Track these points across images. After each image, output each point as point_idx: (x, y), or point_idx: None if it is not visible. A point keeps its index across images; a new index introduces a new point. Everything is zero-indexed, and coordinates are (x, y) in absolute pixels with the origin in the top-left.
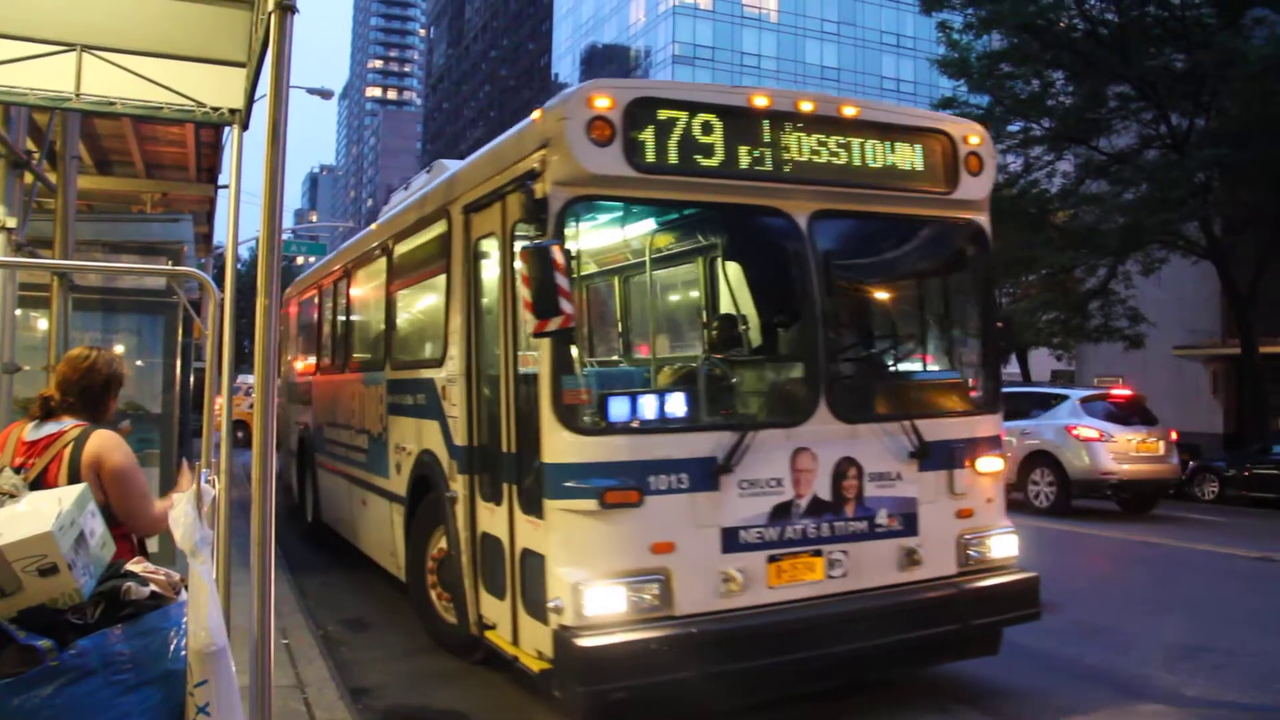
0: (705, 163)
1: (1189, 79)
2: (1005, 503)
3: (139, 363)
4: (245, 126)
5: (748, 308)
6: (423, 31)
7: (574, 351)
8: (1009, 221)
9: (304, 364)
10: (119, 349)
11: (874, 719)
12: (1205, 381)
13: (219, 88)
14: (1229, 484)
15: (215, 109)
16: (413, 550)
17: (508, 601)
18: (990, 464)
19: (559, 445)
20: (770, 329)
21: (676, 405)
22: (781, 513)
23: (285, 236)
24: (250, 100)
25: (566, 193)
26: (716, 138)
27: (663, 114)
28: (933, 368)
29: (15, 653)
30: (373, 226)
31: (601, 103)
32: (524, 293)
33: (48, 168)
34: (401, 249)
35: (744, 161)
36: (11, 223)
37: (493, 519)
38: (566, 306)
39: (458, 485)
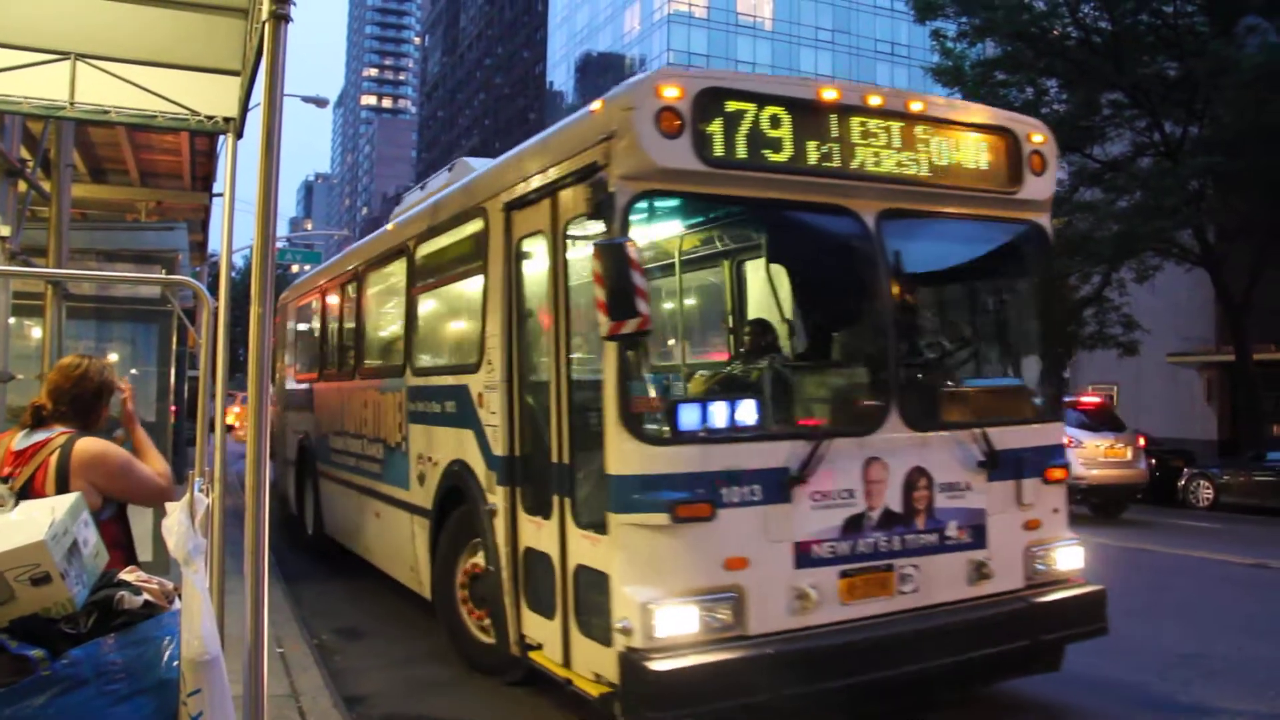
0: (774, 158)
1: (1182, 87)
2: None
3: (133, 371)
4: (240, 135)
5: (812, 311)
6: (418, 40)
7: (645, 356)
8: None
9: (304, 371)
10: (113, 357)
11: None
12: (1199, 388)
13: (213, 96)
14: (1223, 491)
15: (210, 117)
16: (440, 566)
17: (557, 621)
18: (1056, 473)
19: (626, 456)
20: (838, 333)
21: (747, 413)
22: (854, 526)
23: (280, 245)
24: (245, 109)
25: (633, 187)
26: (785, 131)
27: (731, 105)
28: (998, 374)
29: (7, 662)
30: (388, 227)
31: (670, 92)
32: (597, 292)
33: (42, 176)
34: (426, 250)
35: (812, 157)
36: (5, 231)
37: (539, 534)
38: (643, 307)
39: (496, 498)
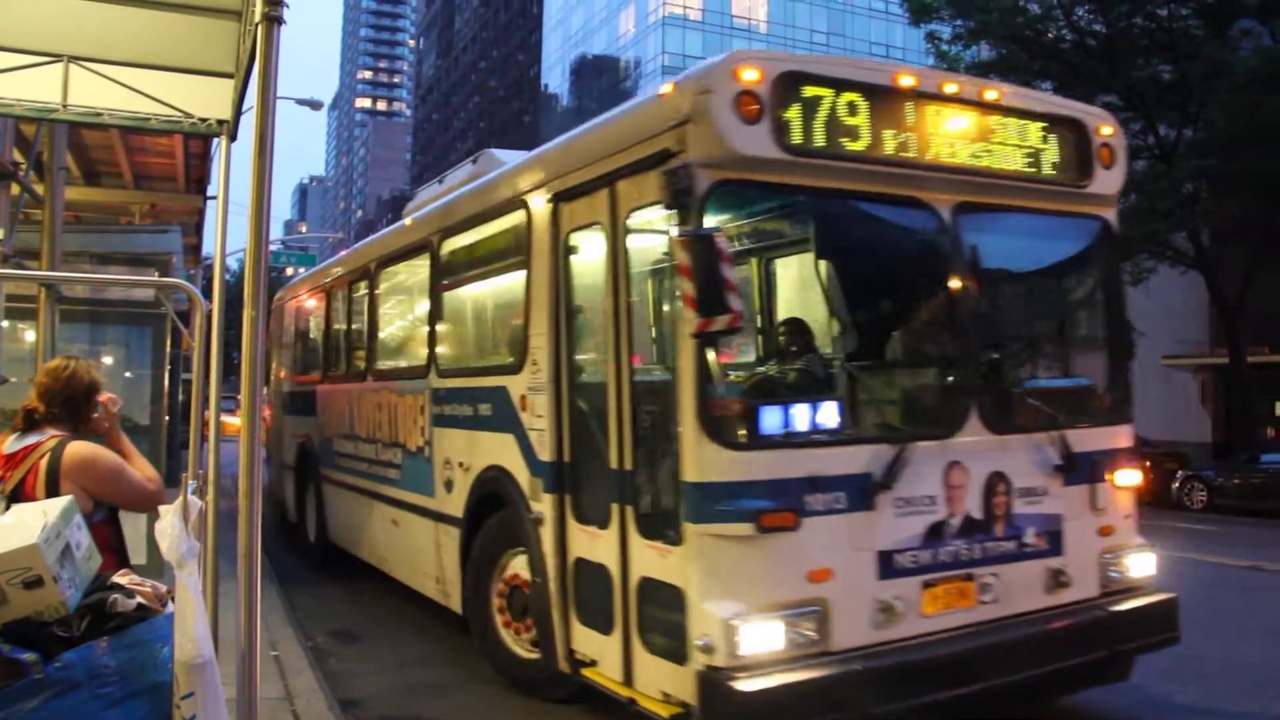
0: (851, 146)
1: (1176, 90)
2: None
3: (127, 374)
4: (233, 137)
5: (886, 308)
6: (412, 42)
7: (730, 355)
8: None
9: (305, 372)
10: (107, 360)
11: None
12: (1194, 391)
13: (207, 99)
14: (1218, 493)
15: (203, 120)
16: (473, 577)
17: (616, 636)
18: (1129, 477)
19: (707, 462)
20: (915, 332)
21: (829, 415)
22: (935, 533)
23: (274, 248)
24: (238, 111)
25: (711, 175)
26: (862, 119)
27: (809, 90)
28: (1070, 373)
29: (0, 666)
30: (405, 222)
31: (749, 75)
32: (683, 287)
33: (35, 179)
34: (453, 245)
35: (889, 146)
36: None
37: (594, 544)
38: (735, 303)
39: (543, 506)
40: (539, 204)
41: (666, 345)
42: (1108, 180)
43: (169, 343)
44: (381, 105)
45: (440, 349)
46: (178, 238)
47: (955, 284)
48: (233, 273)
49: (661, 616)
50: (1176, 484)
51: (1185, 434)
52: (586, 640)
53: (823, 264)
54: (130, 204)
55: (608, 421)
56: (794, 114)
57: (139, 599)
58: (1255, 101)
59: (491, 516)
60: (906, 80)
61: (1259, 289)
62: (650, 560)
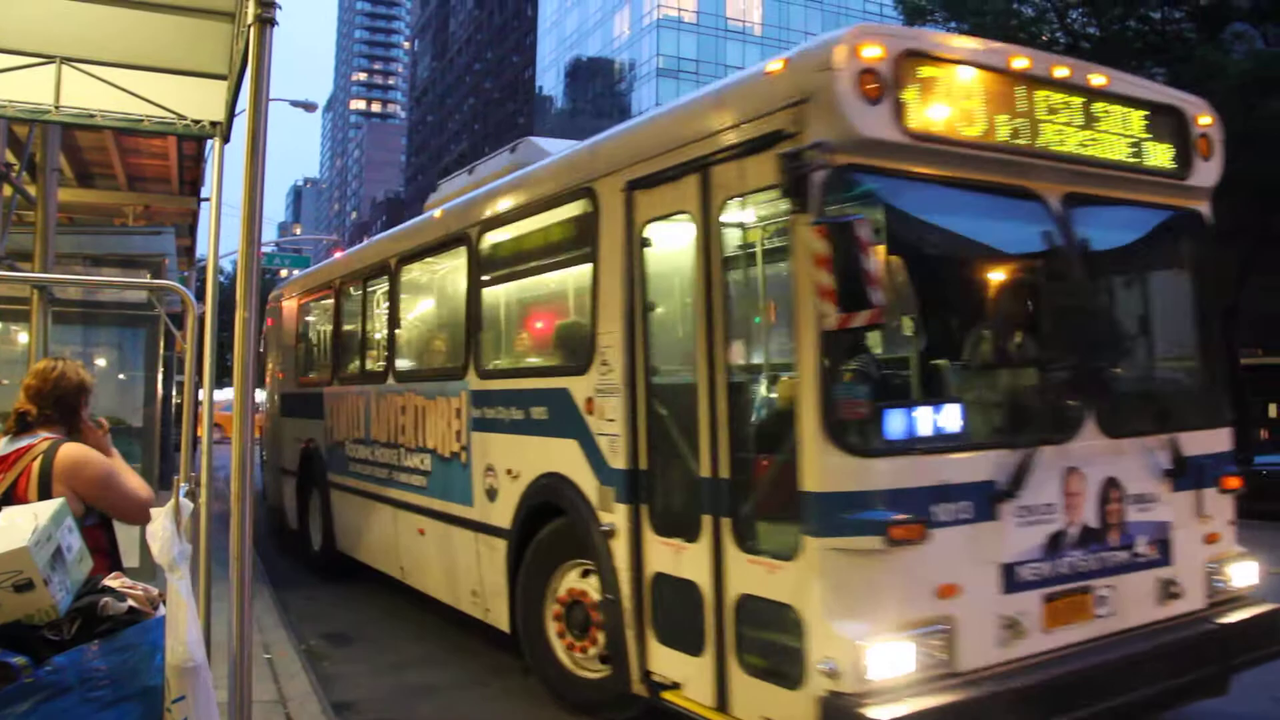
0: (967, 132)
1: None
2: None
3: (120, 376)
4: (226, 139)
5: (1000, 305)
6: (407, 44)
7: (864, 354)
8: None
9: (310, 373)
10: (100, 362)
11: None
12: None
13: (200, 100)
14: None
15: (196, 121)
16: (525, 591)
17: (706, 658)
18: (1232, 482)
19: (832, 470)
20: (1029, 330)
21: (953, 419)
22: (1055, 544)
23: (269, 249)
24: (231, 113)
25: (834, 159)
26: (978, 103)
27: (926, 70)
28: (1177, 374)
29: None
30: (434, 215)
31: (871, 52)
32: (820, 279)
33: (27, 180)
34: (497, 238)
35: (1003, 132)
36: None
37: (677, 558)
38: (878, 297)
39: (615, 517)
40: (609, 193)
41: (772, 343)
42: (1206, 172)
43: (162, 345)
44: (376, 107)
45: (480, 349)
46: (171, 239)
47: (1068, 280)
48: (226, 274)
49: (767, 637)
50: None
51: None
52: (668, 661)
53: (934, 259)
54: (124, 206)
55: (697, 426)
56: (913, 95)
57: (130, 602)
58: (1249, 104)
59: (546, 527)
60: (1020, 62)
61: (1253, 291)
62: (753, 576)
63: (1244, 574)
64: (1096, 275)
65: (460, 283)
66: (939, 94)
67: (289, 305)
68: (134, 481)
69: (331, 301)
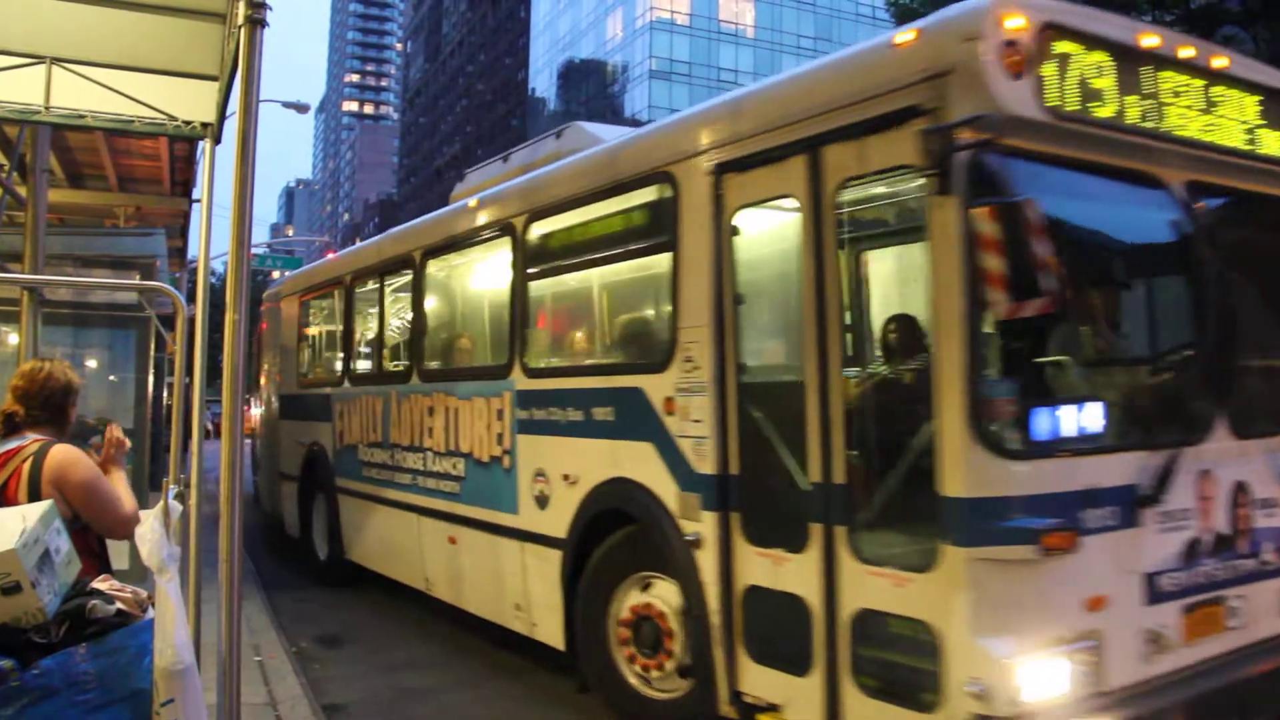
0: (1100, 112)
1: None
2: None
3: (111, 378)
4: (218, 140)
5: (1132, 299)
6: (400, 46)
7: (1025, 346)
8: None
9: (315, 372)
10: (91, 364)
11: None
12: None
13: (191, 101)
14: None
15: (187, 123)
16: (586, 605)
17: (815, 678)
18: None
19: (981, 473)
20: (1161, 325)
21: (1095, 418)
22: (1191, 551)
23: (261, 251)
24: (222, 114)
25: (978, 136)
26: (1109, 81)
27: (1062, 46)
28: None
29: None
30: (468, 203)
31: (1014, 23)
32: (987, 264)
33: (18, 180)
34: (546, 228)
35: (1133, 114)
36: None
37: (778, 570)
38: (1052, 284)
39: (701, 526)
40: (691, 177)
41: (896, 335)
42: None
43: (154, 346)
44: (369, 109)
45: (527, 346)
46: (162, 241)
47: (1198, 273)
48: (218, 276)
49: (892, 656)
50: None
51: None
52: (764, 681)
53: (1071, 248)
54: (115, 207)
55: (805, 427)
56: (1052, 71)
57: (119, 605)
58: None
59: (610, 537)
60: (1150, 40)
61: None
62: (877, 589)
63: None
64: (1224, 267)
65: (502, 276)
66: (1074, 70)
67: (289, 303)
68: (120, 492)
69: (341, 298)
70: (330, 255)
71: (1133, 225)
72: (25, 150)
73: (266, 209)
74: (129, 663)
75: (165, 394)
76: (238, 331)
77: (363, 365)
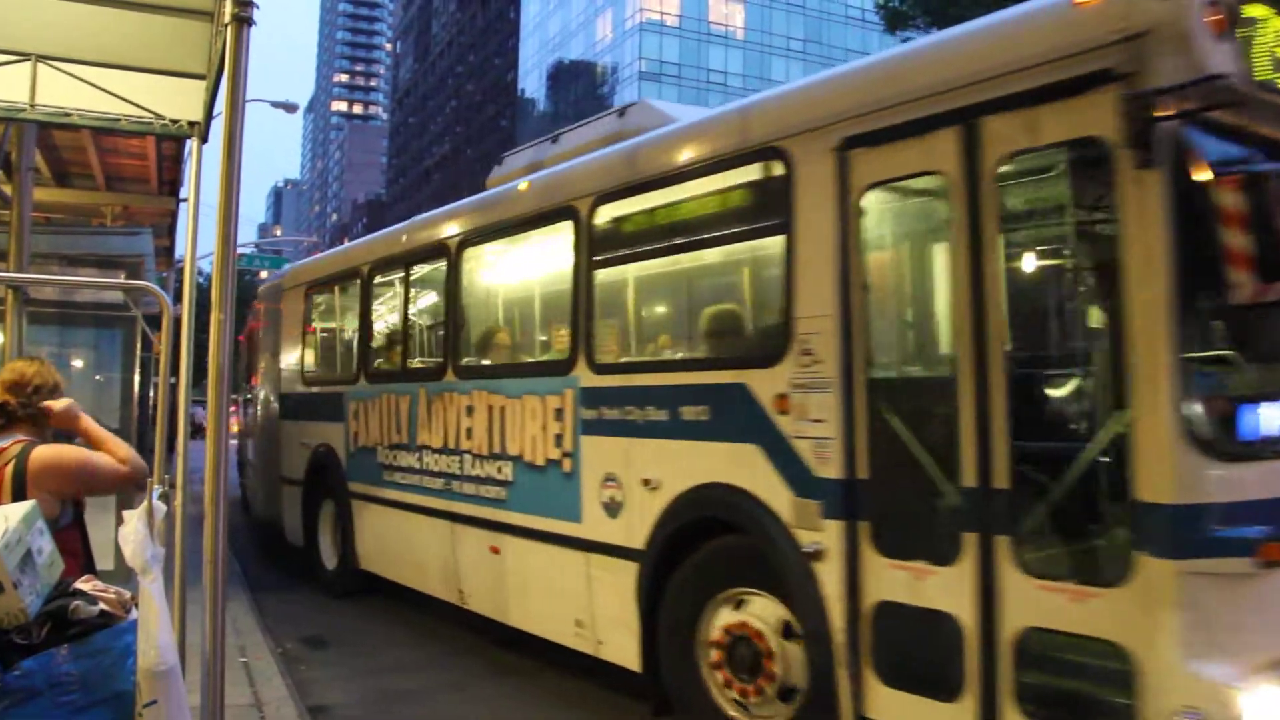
0: None
1: None
2: None
3: (97, 377)
4: (205, 139)
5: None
6: (389, 46)
7: (1230, 336)
8: None
9: (326, 369)
10: (77, 363)
11: None
12: None
13: (178, 100)
14: None
15: (174, 121)
16: (671, 623)
17: (966, 705)
18: None
19: (1192, 477)
20: None
21: None
22: None
23: (248, 250)
24: (209, 113)
25: (1181, 105)
26: None
27: (1250, 9)
28: None
29: None
30: (517, 186)
31: None
32: (1235, 242)
33: (3, 179)
34: (618, 212)
35: None
36: None
37: (919, 584)
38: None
39: (823, 536)
40: (809, 152)
41: (1073, 324)
42: None
43: (140, 345)
44: (358, 109)
45: (595, 340)
46: (149, 240)
47: None
48: (205, 275)
49: (1069, 681)
50: None
51: None
52: (898, 707)
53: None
54: (102, 206)
55: (955, 426)
56: (1246, 34)
57: (102, 606)
58: None
59: (702, 548)
60: None
61: None
62: (1048, 606)
63: None
64: None
65: (562, 264)
66: (1265, 35)
67: (292, 297)
68: (116, 453)
69: (357, 291)
70: (317, 255)
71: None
72: (11, 148)
73: (254, 209)
74: (112, 664)
75: (152, 394)
76: (223, 331)
77: (384, 362)
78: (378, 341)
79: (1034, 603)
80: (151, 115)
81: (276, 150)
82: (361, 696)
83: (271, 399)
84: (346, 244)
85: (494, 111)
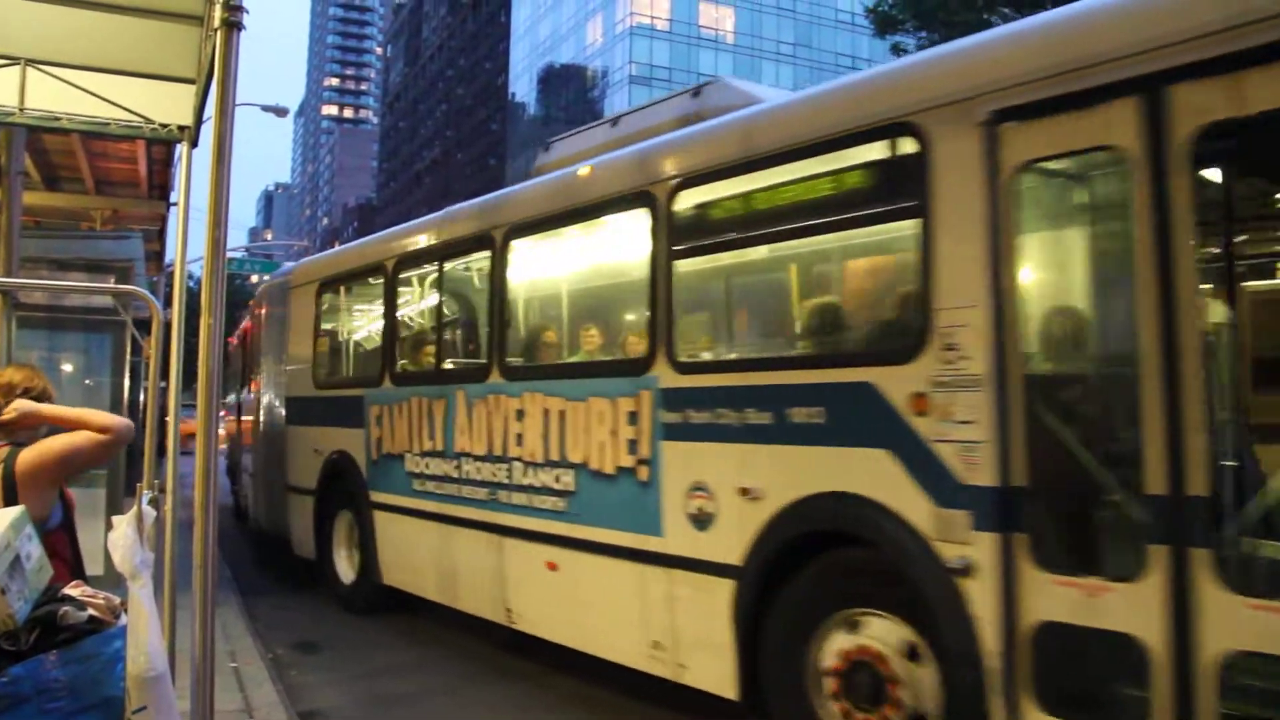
0: None
1: None
2: None
3: (87, 381)
4: (195, 143)
5: None
6: (379, 50)
7: None
8: None
9: (343, 371)
10: (66, 368)
11: None
12: None
13: (168, 104)
14: None
15: (164, 125)
16: (774, 647)
17: None
18: None
19: None
20: None
21: None
22: None
23: (239, 255)
24: (199, 117)
25: None
26: None
27: None
28: None
29: None
30: (577, 171)
31: None
32: None
33: None
34: (706, 196)
35: None
36: None
37: (1093, 603)
38: None
39: (973, 549)
40: (948, 127)
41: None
42: None
43: (130, 350)
44: (348, 113)
45: (678, 336)
46: (139, 244)
47: None
48: (195, 279)
49: None
50: None
51: None
52: None
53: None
54: (92, 210)
55: (1139, 428)
56: None
57: (91, 611)
58: None
59: (813, 562)
60: None
61: None
62: (1263, 628)
63: None
64: None
65: (633, 254)
66: None
67: (301, 295)
68: (94, 422)
69: (381, 287)
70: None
71: None
72: None
73: (245, 213)
74: (101, 670)
75: (142, 398)
76: (213, 336)
77: (414, 363)
78: (406, 341)
79: (1243, 624)
80: (141, 119)
81: (267, 154)
82: (354, 701)
83: (276, 404)
84: (361, 239)
85: (485, 115)
